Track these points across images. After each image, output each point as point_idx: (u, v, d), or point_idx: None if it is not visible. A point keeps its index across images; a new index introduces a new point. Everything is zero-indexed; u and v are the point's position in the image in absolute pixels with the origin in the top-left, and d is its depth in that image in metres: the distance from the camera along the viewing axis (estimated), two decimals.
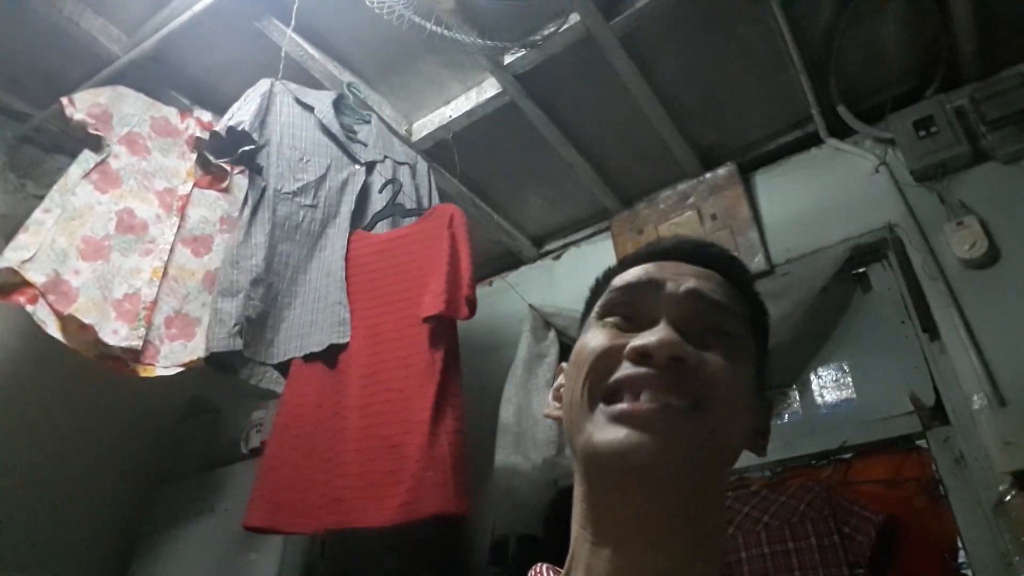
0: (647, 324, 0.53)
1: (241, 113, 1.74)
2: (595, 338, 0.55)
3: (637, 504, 0.48)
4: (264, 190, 1.73)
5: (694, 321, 0.54)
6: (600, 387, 0.52)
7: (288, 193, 1.75)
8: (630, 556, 0.49)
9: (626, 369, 0.51)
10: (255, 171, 1.76)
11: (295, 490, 1.47)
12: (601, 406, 0.50)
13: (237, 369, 1.67)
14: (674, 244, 0.61)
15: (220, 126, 1.73)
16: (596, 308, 0.59)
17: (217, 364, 1.65)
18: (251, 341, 1.61)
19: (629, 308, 0.56)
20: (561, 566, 0.55)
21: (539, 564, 0.58)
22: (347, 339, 1.62)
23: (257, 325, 1.62)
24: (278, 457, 1.52)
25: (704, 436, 0.48)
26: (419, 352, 1.55)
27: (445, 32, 1.65)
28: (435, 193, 2.04)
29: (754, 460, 1.87)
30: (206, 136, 2.01)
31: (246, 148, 1.73)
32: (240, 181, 2.08)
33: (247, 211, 1.71)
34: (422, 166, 2.07)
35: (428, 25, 1.62)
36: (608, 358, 0.53)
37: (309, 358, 1.63)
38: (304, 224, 1.76)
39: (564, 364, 0.63)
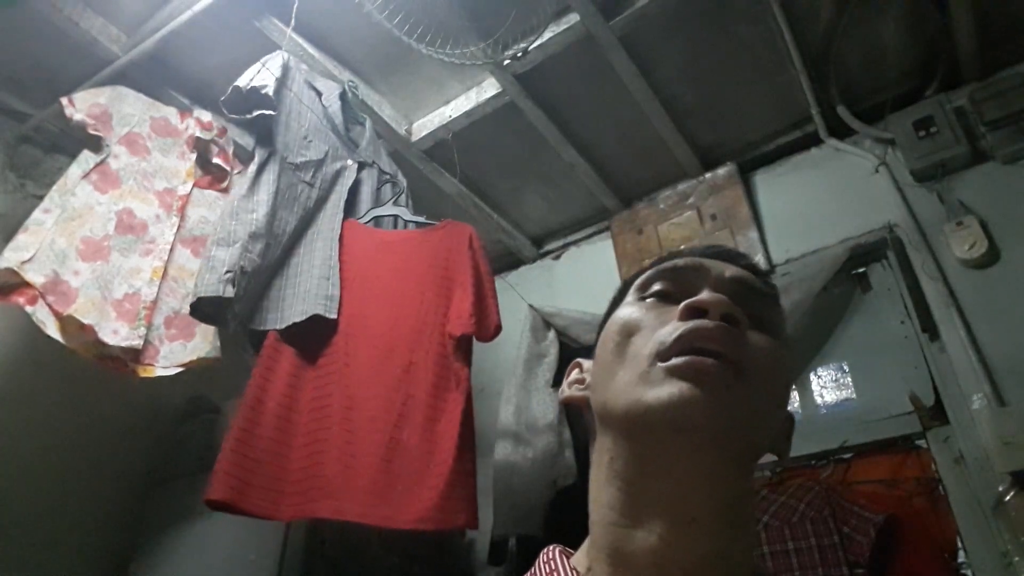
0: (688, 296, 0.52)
1: (263, 77, 1.71)
2: (633, 310, 0.55)
3: (683, 469, 0.47)
4: (271, 154, 1.70)
5: (738, 304, 0.52)
6: (650, 347, 0.50)
7: (291, 164, 1.74)
8: (668, 539, 0.47)
9: (679, 326, 0.49)
10: (264, 135, 1.73)
11: (265, 472, 1.42)
12: (657, 363, 0.48)
13: (226, 321, 1.56)
14: (712, 248, 0.61)
15: (242, 83, 1.69)
16: (635, 286, 0.58)
17: (203, 314, 1.56)
18: (243, 296, 1.53)
19: (671, 285, 0.56)
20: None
21: (551, 547, 0.56)
22: (334, 315, 1.59)
23: (251, 280, 1.55)
24: (247, 431, 1.45)
25: (749, 400, 0.47)
26: (427, 361, 1.54)
27: (424, 49, 1.66)
28: (411, 209, 2.02)
29: None
30: (206, 136, 2.01)
31: (264, 112, 1.70)
32: (240, 181, 2.07)
33: (253, 168, 1.67)
34: (402, 180, 2.05)
35: (400, 34, 1.62)
36: (656, 323, 0.52)
37: (288, 336, 1.59)
38: (301, 199, 1.74)
39: (580, 360, 0.62)
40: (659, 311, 0.53)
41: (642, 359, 0.50)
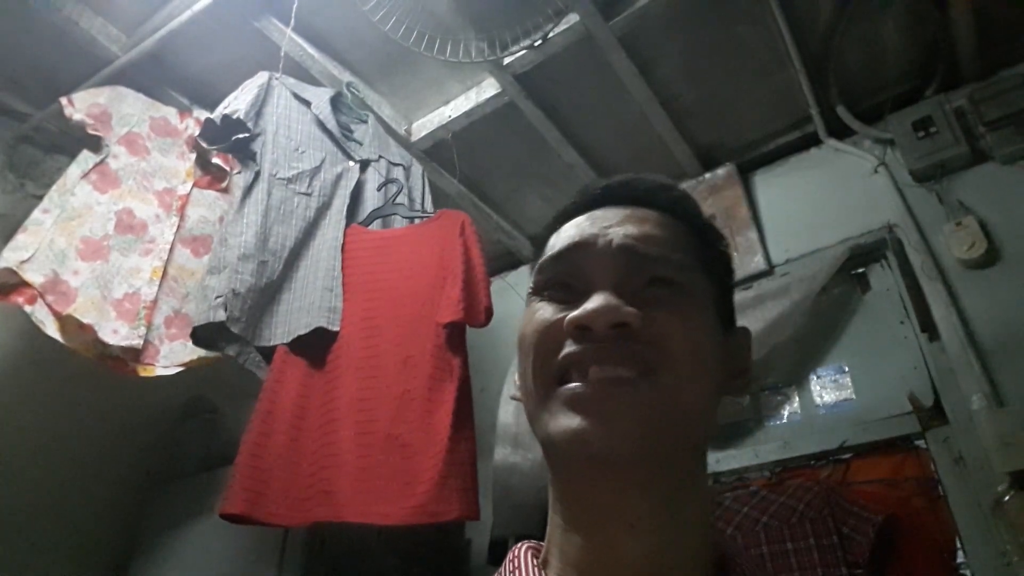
0: (584, 290, 0.50)
1: (237, 102, 1.74)
2: (534, 316, 0.52)
3: (604, 490, 0.46)
4: (258, 174, 1.72)
5: (634, 277, 0.50)
6: (547, 370, 0.49)
7: (283, 179, 1.75)
8: (602, 541, 0.47)
9: (569, 347, 0.48)
10: (248, 158, 1.75)
11: (279, 480, 1.44)
12: (553, 391, 0.48)
13: (222, 347, 1.60)
14: (604, 187, 0.57)
15: (215, 114, 1.73)
16: (531, 281, 0.55)
17: (203, 340, 1.59)
18: (239, 317, 1.55)
19: (563, 277, 0.52)
20: None
21: (519, 545, 0.55)
22: (337, 328, 1.60)
23: (246, 300, 1.56)
24: (260, 444, 1.48)
25: (660, 403, 0.45)
26: (423, 353, 1.55)
27: (422, 51, 1.67)
28: (429, 195, 2.03)
29: (753, 460, 1.88)
30: None
31: (239, 136, 1.73)
32: (240, 181, 2.07)
33: (239, 194, 1.70)
34: (417, 168, 2.07)
35: (395, 37, 1.64)
36: (549, 337, 0.49)
37: (296, 346, 1.60)
38: (299, 211, 1.75)
39: None
40: (558, 310, 0.50)
41: (544, 382, 0.49)
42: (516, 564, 0.53)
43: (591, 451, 0.45)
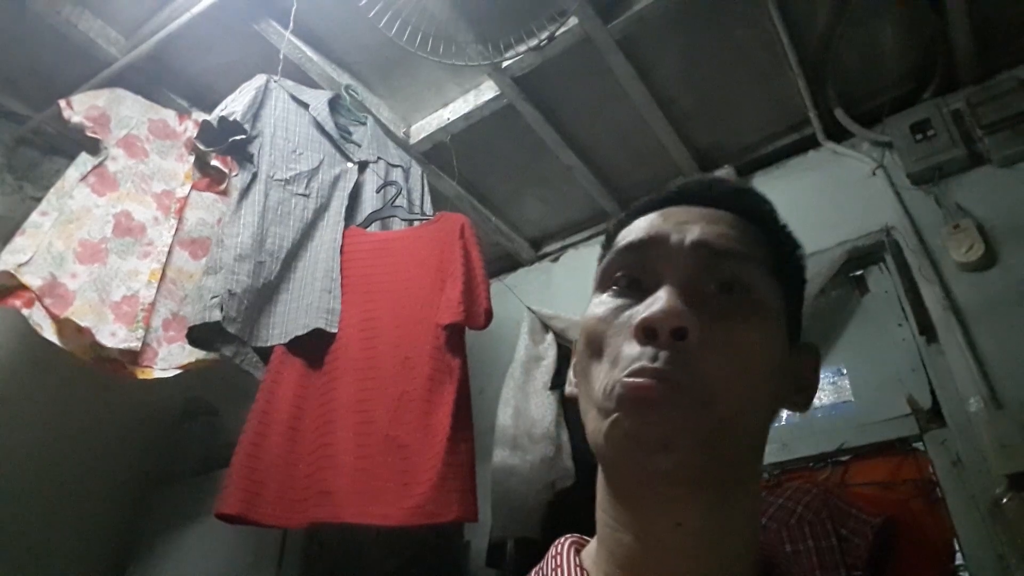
0: (653, 287, 0.48)
1: (234, 104, 1.74)
2: (598, 311, 0.51)
3: (655, 496, 0.46)
4: (255, 175, 1.72)
5: (706, 278, 0.48)
6: (613, 373, 0.47)
7: (280, 180, 1.75)
8: (650, 540, 0.47)
9: (631, 349, 0.46)
10: (246, 160, 1.75)
11: (276, 481, 1.43)
12: (610, 392, 0.46)
13: (219, 347, 1.60)
14: (680, 187, 0.55)
15: (212, 116, 1.73)
16: (599, 274, 0.54)
17: (199, 341, 1.59)
18: (235, 317, 1.55)
19: (633, 271, 0.51)
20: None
21: (564, 538, 0.55)
22: (335, 329, 1.60)
23: (243, 300, 1.56)
24: (256, 444, 1.48)
25: (712, 425, 0.44)
26: (422, 354, 1.55)
27: (425, 54, 1.68)
28: (428, 196, 2.04)
29: None
30: None
31: (236, 138, 1.73)
32: (238, 183, 2.08)
33: (236, 195, 1.70)
34: (416, 169, 2.07)
35: (401, 42, 1.65)
36: (612, 334, 0.48)
37: (294, 347, 1.60)
38: (296, 211, 1.75)
39: None
40: (625, 311, 0.49)
41: (603, 389, 0.47)
42: (559, 562, 0.53)
43: (649, 461, 0.44)
